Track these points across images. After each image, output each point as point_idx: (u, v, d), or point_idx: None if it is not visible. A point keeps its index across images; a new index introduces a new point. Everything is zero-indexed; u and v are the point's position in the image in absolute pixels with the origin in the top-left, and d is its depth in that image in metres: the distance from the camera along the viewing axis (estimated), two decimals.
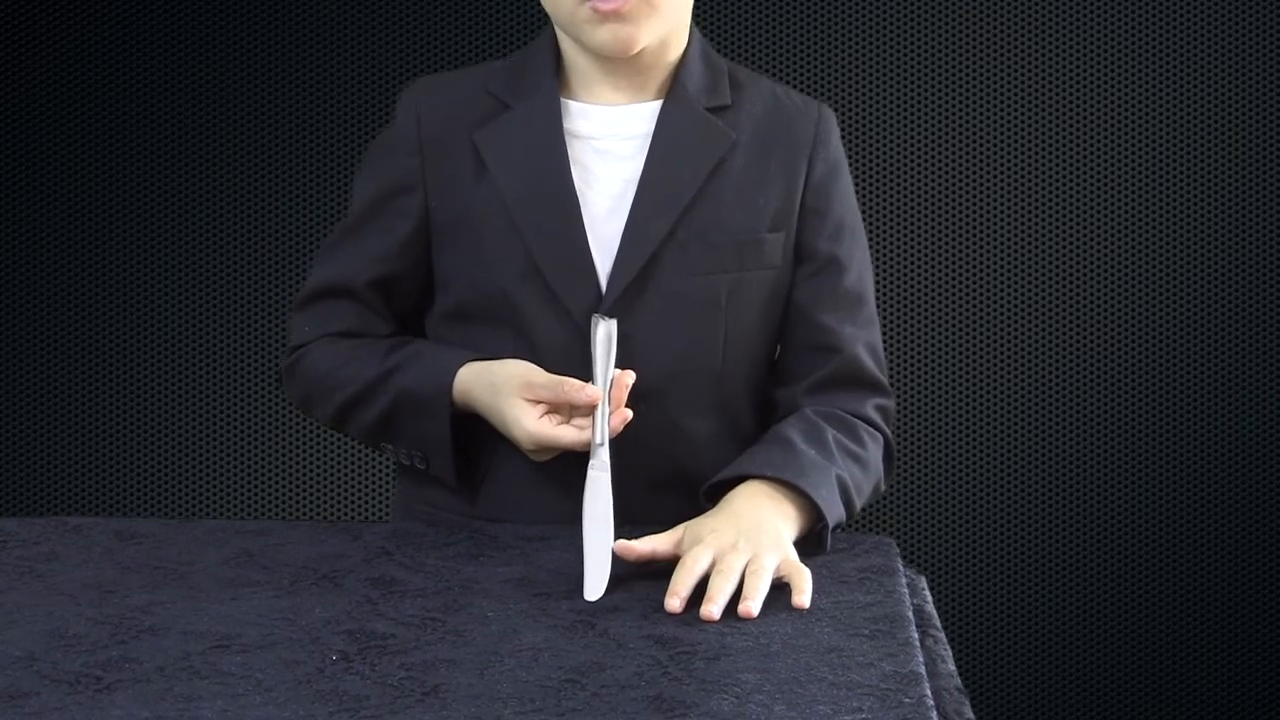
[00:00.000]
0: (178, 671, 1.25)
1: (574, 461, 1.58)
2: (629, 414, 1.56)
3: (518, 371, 1.60)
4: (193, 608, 1.39)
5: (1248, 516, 3.06)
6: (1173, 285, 3.05)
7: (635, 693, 1.22)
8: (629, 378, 1.56)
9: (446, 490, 1.71)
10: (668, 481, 1.67)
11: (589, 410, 1.55)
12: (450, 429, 1.65)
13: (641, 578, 1.47)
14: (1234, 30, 3.02)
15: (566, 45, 1.70)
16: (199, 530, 1.61)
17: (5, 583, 1.45)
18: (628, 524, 1.54)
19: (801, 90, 1.78)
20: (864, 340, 1.73)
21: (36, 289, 3.10)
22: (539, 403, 1.58)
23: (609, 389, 1.55)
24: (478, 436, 1.68)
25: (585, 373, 1.58)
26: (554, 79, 1.68)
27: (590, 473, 1.52)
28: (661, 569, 1.47)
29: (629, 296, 1.65)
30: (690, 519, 1.54)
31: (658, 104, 1.69)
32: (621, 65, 1.67)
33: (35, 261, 3.10)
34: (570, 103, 1.69)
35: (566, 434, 1.57)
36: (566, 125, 1.68)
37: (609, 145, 1.68)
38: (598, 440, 1.53)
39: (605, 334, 1.58)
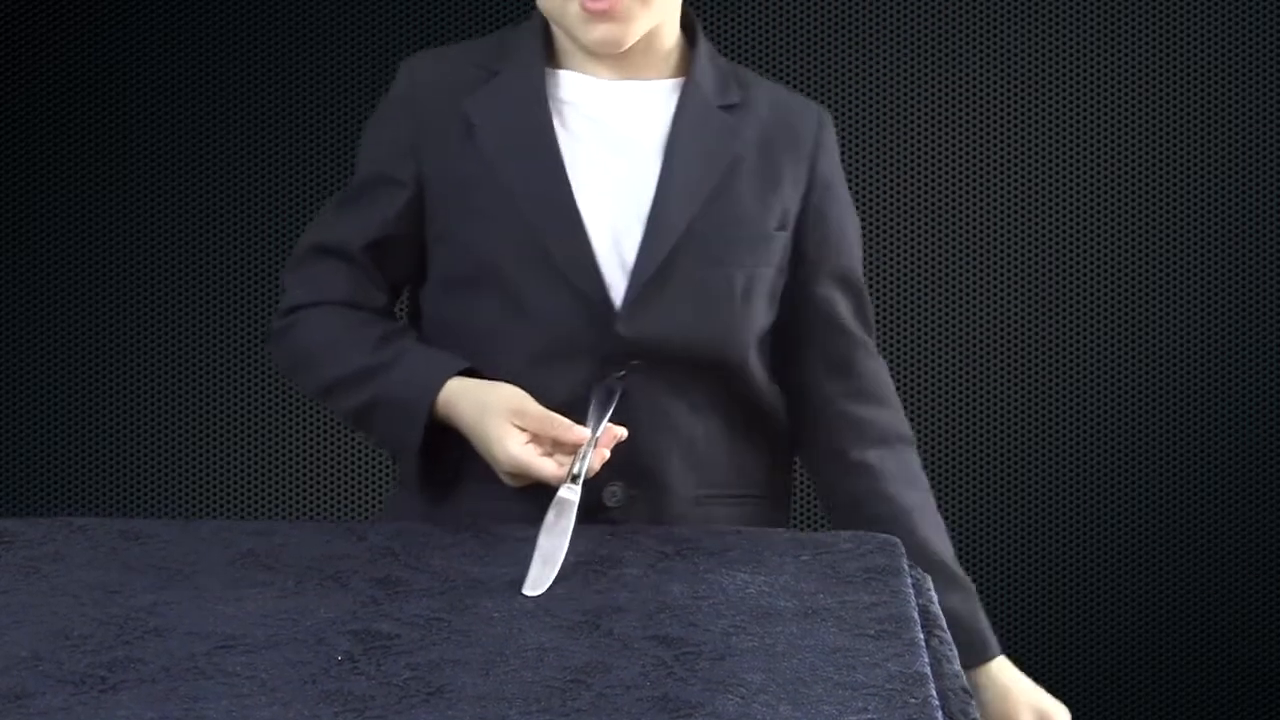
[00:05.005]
0: (183, 672, 1.25)
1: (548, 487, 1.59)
2: (607, 454, 1.58)
3: (511, 396, 1.62)
4: (198, 608, 1.39)
5: (1255, 515, 3.06)
6: (1174, 283, 3.05)
7: (640, 693, 1.22)
8: (621, 433, 1.60)
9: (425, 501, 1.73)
10: (673, 438, 1.71)
11: (573, 449, 1.57)
12: (424, 440, 1.67)
13: (643, 578, 1.48)
14: (1234, 30, 3.02)
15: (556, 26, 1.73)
16: (204, 531, 1.61)
17: (10, 583, 1.45)
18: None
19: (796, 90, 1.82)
20: (876, 357, 1.82)
21: (39, 289, 3.10)
22: (524, 430, 1.59)
23: (598, 433, 1.58)
24: (449, 447, 1.69)
25: (578, 335, 1.64)
26: (539, 45, 1.72)
27: (561, 494, 1.54)
28: (652, 565, 1.48)
29: (652, 286, 1.67)
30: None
31: (644, 83, 1.72)
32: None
33: (37, 261, 3.10)
34: (559, 72, 1.73)
35: (546, 467, 1.58)
36: (555, 92, 1.72)
37: (596, 111, 1.71)
38: (575, 471, 1.55)
39: (607, 391, 1.62)
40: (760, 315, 1.73)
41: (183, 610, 1.38)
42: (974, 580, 1.76)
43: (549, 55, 1.73)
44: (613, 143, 1.70)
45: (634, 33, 1.66)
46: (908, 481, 1.78)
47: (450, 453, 1.69)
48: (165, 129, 3.08)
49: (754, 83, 1.77)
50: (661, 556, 1.54)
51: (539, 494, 1.57)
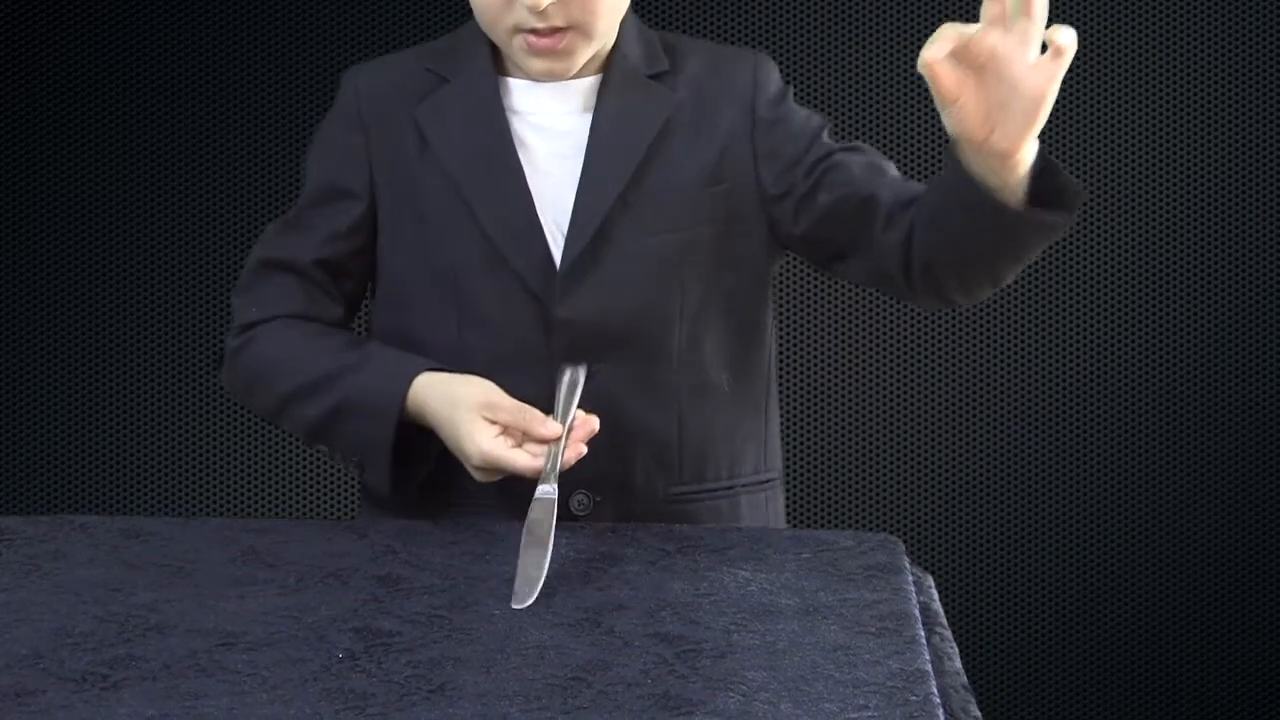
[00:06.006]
0: (184, 669, 1.25)
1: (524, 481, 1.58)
2: (583, 449, 1.57)
3: (481, 389, 1.61)
4: (199, 606, 1.39)
5: (1255, 515, 3.06)
6: (1174, 282, 3.05)
7: (641, 690, 1.22)
8: (594, 422, 1.58)
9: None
10: (636, 438, 1.69)
11: (543, 441, 1.56)
12: (393, 437, 1.65)
13: (644, 575, 1.48)
14: (1234, 30, 3.02)
15: None
16: (205, 528, 1.61)
17: (11, 581, 1.45)
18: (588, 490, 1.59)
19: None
20: (879, 171, 1.70)
21: (40, 288, 3.10)
22: (495, 423, 1.59)
23: (570, 424, 1.57)
24: (418, 449, 1.68)
25: (532, 340, 1.64)
26: (488, 52, 1.71)
27: (539, 493, 1.53)
28: (653, 563, 1.48)
29: (585, 260, 1.66)
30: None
31: (590, 79, 1.70)
32: None
33: (37, 261, 3.10)
34: (509, 80, 1.71)
35: (519, 458, 1.56)
36: (506, 101, 1.70)
37: (545, 120, 1.70)
38: (549, 468, 1.55)
39: (571, 379, 1.60)
40: (705, 281, 1.70)
41: (184, 608, 1.39)
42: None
43: (496, 61, 1.72)
44: (563, 149, 1.69)
45: (578, 63, 1.66)
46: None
47: (419, 460, 1.68)
48: (165, 129, 3.08)
49: (685, 46, 1.75)
50: (662, 554, 1.54)
51: (512, 510, 1.56)
